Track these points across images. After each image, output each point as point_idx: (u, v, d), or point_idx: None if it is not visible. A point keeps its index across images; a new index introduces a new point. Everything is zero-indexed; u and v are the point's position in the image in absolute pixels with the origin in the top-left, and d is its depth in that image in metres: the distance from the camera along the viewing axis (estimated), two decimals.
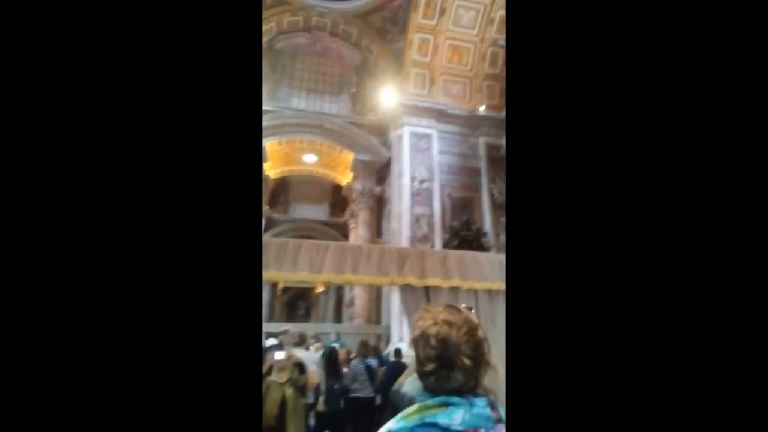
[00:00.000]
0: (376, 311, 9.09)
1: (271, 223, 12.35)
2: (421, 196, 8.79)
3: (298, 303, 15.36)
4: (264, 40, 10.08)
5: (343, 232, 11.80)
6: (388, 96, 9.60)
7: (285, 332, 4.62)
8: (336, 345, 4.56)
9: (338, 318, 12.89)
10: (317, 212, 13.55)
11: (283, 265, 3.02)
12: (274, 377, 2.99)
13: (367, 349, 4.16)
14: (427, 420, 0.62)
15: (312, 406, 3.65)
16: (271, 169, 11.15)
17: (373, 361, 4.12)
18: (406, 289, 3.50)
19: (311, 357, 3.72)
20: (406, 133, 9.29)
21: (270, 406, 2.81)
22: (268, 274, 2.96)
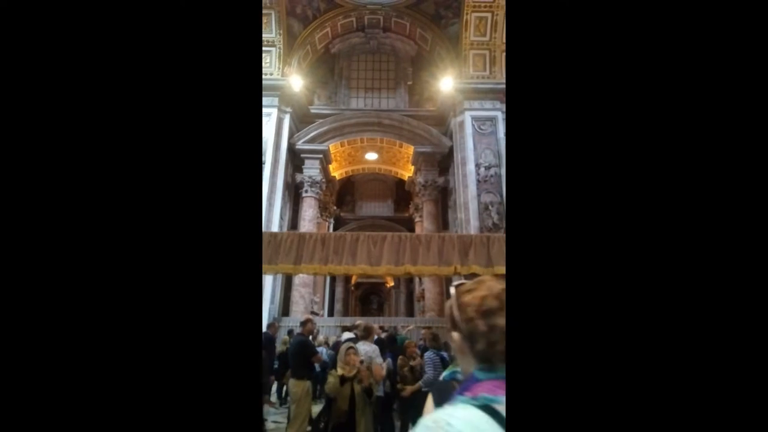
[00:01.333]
0: None
1: (340, 223, 12.83)
2: (488, 183, 8.32)
3: (370, 298, 15.75)
4: (320, 45, 10.47)
5: (409, 227, 11.76)
6: (445, 83, 9.28)
7: (357, 326, 4.71)
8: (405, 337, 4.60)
9: (410, 312, 12.90)
10: (382, 209, 13.72)
11: (342, 258, 3.04)
12: (341, 371, 3.00)
13: (438, 342, 4.06)
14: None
15: (378, 398, 3.64)
16: (336, 171, 11.57)
17: (445, 354, 4.01)
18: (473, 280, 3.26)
19: (373, 348, 3.70)
20: (467, 118, 8.88)
21: (341, 402, 2.81)
22: (327, 268, 3.01)
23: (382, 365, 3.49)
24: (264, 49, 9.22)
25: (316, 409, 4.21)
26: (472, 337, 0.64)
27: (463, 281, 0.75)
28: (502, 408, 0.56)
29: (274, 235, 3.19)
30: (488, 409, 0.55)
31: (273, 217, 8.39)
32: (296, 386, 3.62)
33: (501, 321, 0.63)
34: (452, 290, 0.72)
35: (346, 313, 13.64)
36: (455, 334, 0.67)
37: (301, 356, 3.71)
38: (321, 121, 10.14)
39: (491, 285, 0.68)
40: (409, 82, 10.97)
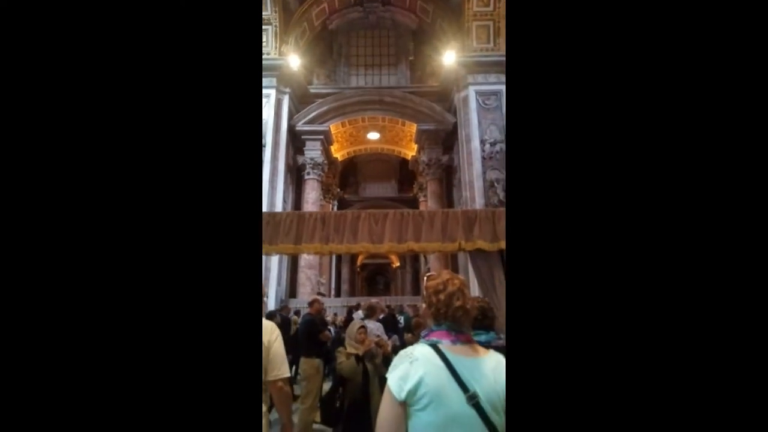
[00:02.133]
0: None
1: (343, 204, 12.76)
2: (493, 159, 8.14)
3: (377, 278, 15.86)
4: (317, 22, 10.12)
5: (413, 207, 11.67)
6: (448, 57, 8.95)
7: (357, 305, 4.74)
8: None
9: (416, 291, 12.98)
10: (386, 189, 13.59)
11: (343, 236, 2.98)
12: (351, 349, 2.98)
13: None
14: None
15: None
16: (338, 152, 11.40)
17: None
18: (478, 255, 3.20)
19: (378, 326, 3.72)
20: (471, 93, 8.60)
21: (355, 380, 2.80)
22: (329, 247, 2.95)
23: (388, 342, 3.50)
24: None
25: (326, 386, 4.26)
26: (429, 305, 1.02)
27: (431, 273, 1.16)
28: (442, 346, 0.94)
29: (273, 215, 3.12)
30: (434, 346, 0.94)
31: (276, 201, 8.34)
32: (306, 364, 3.69)
33: (442, 297, 0.99)
34: (424, 278, 1.22)
35: (352, 293, 13.77)
36: (423, 305, 1.12)
37: (310, 334, 3.77)
38: (321, 101, 9.91)
39: (443, 276, 1.05)
40: (411, 58, 10.62)
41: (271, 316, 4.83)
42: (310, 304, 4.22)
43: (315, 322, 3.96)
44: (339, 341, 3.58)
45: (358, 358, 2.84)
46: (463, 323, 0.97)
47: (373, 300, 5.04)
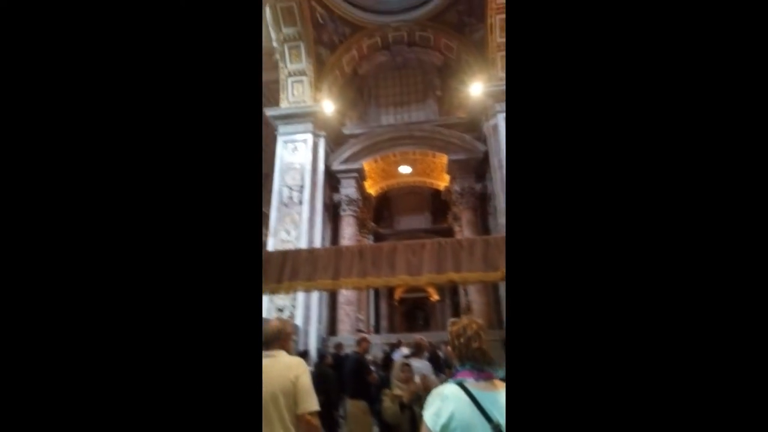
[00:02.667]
0: (496, 314, 8.41)
1: (378, 238, 12.82)
2: None
3: (416, 313, 15.42)
4: (348, 68, 10.80)
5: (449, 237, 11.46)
6: (475, 89, 9.12)
7: (398, 342, 4.56)
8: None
9: None
10: (420, 221, 13.55)
11: (380, 269, 2.97)
12: (397, 391, 2.84)
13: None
14: None
15: None
16: (371, 188, 11.66)
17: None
18: None
19: (426, 365, 3.53)
20: (500, 120, 8.61)
21: (403, 429, 2.65)
22: (366, 281, 2.95)
23: (436, 382, 3.32)
24: (296, 79, 9.67)
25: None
26: (453, 348, 1.19)
27: (453, 319, 1.33)
28: (468, 384, 1.09)
29: (311, 251, 3.20)
30: (461, 385, 1.09)
31: (315, 238, 8.57)
32: (353, 406, 3.56)
33: (462, 340, 1.16)
34: (449, 322, 1.33)
35: (391, 330, 13.43)
36: (448, 348, 1.36)
37: (358, 374, 3.65)
38: (353, 140, 10.34)
39: (463, 321, 1.23)
40: (438, 93, 10.93)
41: (322, 356, 4.67)
42: (358, 342, 4.09)
43: (364, 362, 3.83)
44: (383, 382, 3.43)
45: (403, 405, 2.68)
46: (482, 362, 1.14)
47: (416, 336, 4.84)
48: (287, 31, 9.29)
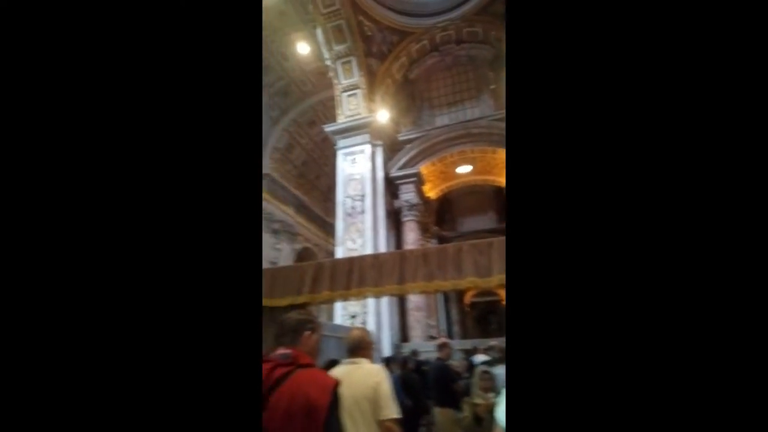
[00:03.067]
0: None
1: (442, 241, 12.58)
2: None
3: (489, 317, 14.77)
4: (398, 75, 10.91)
5: None
6: None
7: (492, 347, 4.34)
8: None
9: None
10: (484, 221, 13.03)
11: (447, 272, 2.89)
12: (478, 399, 2.73)
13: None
14: None
15: None
16: (431, 191, 11.54)
17: None
18: None
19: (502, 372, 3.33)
20: None
21: None
22: (434, 285, 2.89)
23: None
24: (350, 93, 10.04)
25: None
26: None
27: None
28: None
29: (376, 256, 3.24)
30: None
31: (379, 245, 8.72)
32: (442, 415, 3.47)
33: None
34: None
35: (464, 335, 13.01)
36: None
37: (442, 382, 3.56)
38: (409, 145, 10.37)
39: None
40: (492, 86, 10.50)
41: (404, 362, 4.69)
42: (440, 348, 3.97)
43: (449, 369, 3.72)
44: (467, 390, 3.30)
45: (478, 419, 2.56)
46: None
47: (492, 342, 4.58)
48: (338, 48, 9.70)
